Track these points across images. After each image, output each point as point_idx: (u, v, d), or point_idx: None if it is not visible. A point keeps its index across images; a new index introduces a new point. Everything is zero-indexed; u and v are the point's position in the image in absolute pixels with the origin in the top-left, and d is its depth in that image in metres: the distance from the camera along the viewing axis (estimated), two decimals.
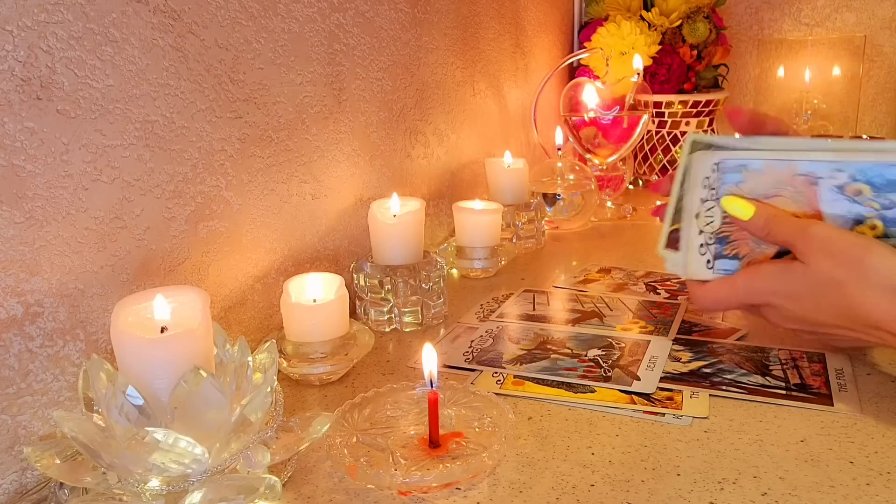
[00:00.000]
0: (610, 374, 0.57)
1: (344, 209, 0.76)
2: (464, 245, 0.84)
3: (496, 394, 0.52)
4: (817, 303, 0.50)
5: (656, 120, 1.27)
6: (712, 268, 0.56)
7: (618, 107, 1.13)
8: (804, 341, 0.60)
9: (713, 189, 0.55)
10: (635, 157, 1.33)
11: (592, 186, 1.05)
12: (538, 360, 0.60)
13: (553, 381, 0.57)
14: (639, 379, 0.56)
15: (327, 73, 0.71)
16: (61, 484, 0.40)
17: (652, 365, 0.58)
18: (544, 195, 1.03)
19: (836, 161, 0.51)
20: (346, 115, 0.74)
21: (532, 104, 1.19)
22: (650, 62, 1.23)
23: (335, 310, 0.59)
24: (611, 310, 0.72)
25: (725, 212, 0.54)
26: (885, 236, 0.50)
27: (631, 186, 1.31)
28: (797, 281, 0.50)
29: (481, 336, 0.66)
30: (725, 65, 1.32)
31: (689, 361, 0.59)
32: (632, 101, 1.15)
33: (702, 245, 0.56)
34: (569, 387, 0.56)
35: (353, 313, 0.66)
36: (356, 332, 0.61)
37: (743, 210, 0.53)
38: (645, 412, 0.52)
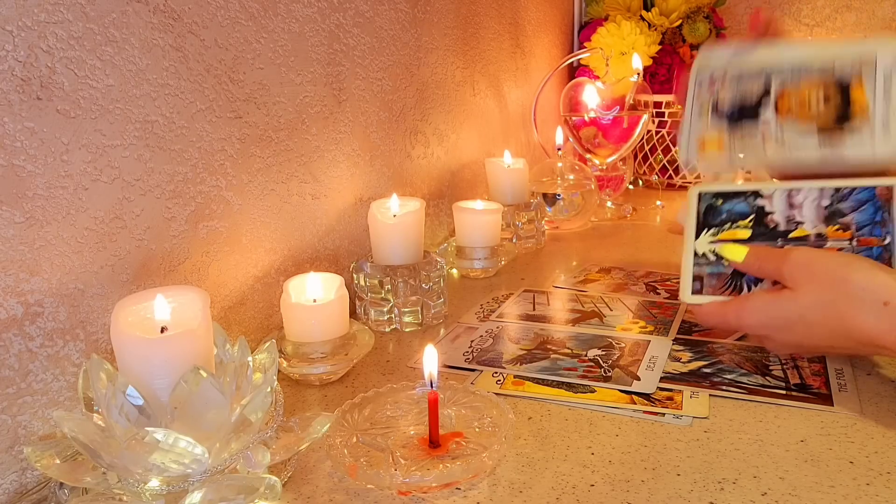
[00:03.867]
0: (610, 374, 0.57)
1: (344, 209, 0.76)
2: (464, 245, 0.84)
3: (496, 394, 0.52)
4: (810, 329, 0.51)
5: (656, 120, 1.27)
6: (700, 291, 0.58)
7: (618, 107, 1.13)
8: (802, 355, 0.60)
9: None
10: (635, 157, 1.33)
11: (592, 186, 1.05)
12: (538, 360, 0.60)
13: (553, 381, 0.57)
14: (639, 379, 0.56)
15: (327, 73, 0.71)
16: (61, 484, 0.40)
17: (652, 365, 0.58)
18: (544, 195, 1.03)
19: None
20: (346, 115, 0.74)
21: (532, 104, 1.19)
22: (650, 62, 1.23)
23: (335, 310, 0.59)
24: (611, 310, 0.72)
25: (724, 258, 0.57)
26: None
27: (631, 186, 1.31)
28: (786, 309, 0.51)
29: (481, 336, 0.66)
30: None
31: (689, 361, 0.59)
32: (632, 101, 1.15)
33: (696, 273, 0.59)
34: (569, 387, 0.56)
35: (353, 313, 0.66)
36: (356, 332, 0.61)
37: (736, 254, 0.55)
38: (645, 412, 0.52)
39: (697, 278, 0.58)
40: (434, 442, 0.47)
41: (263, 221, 0.64)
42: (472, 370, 0.59)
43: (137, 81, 0.50)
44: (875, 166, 0.54)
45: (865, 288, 0.47)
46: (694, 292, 0.58)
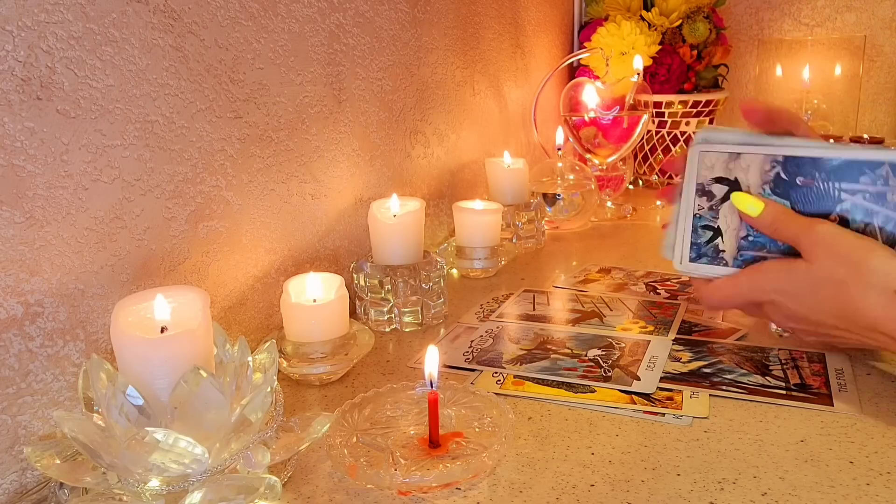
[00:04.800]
0: (610, 374, 0.57)
1: (344, 209, 0.76)
2: (464, 245, 0.84)
3: (496, 394, 0.52)
4: (818, 302, 0.50)
5: (656, 120, 1.27)
6: (696, 259, 0.56)
7: (618, 107, 1.13)
8: (805, 342, 0.60)
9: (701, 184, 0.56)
10: (635, 157, 1.33)
11: (592, 186, 1.05)
12: (538, 360, 0.60)
13: (553, 381, 0.57)
14: (639, 379, 0.56)
15: (327, 73, 0.71)
16: (61, 484, 0.40)
17: (652, 365, 0.58)
18: (544, 195, 1.03)
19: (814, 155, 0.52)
20: (346, 115, 0.74)
21: (532, 104, 1.19)
22: (650, 62, 1.23)
23: (335, 310, 0.59)
24: (611, 310, 0.72)
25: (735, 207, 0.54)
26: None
27: (631, 186, 1.31)
28: (799, 279, 0.51)
29: (481, 336, 0.66)
30: (725, 65, 1.32)
31: (689, 361, 0.59)
32: (632, 101, 1.14)
33: (693, 241, 0.56)
34: (569, 387, 0.56)
35: (353, 313, 0.66)
36: (356, 332, 0.61)
37: (752, 206, 0.53)
38: (645, 412, 0.52)
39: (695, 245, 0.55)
40: (434, 442, 0.47)
41: (263, 221, 0.64)
42: (472, 370, 0.59)
43: (137, 81, 0.50)
44: None
45: (879, 273, 0.46)
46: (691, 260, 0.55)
